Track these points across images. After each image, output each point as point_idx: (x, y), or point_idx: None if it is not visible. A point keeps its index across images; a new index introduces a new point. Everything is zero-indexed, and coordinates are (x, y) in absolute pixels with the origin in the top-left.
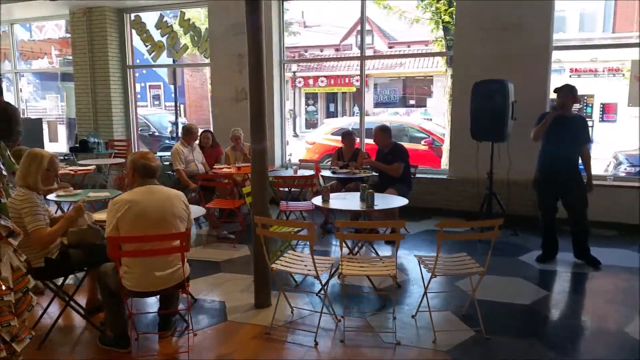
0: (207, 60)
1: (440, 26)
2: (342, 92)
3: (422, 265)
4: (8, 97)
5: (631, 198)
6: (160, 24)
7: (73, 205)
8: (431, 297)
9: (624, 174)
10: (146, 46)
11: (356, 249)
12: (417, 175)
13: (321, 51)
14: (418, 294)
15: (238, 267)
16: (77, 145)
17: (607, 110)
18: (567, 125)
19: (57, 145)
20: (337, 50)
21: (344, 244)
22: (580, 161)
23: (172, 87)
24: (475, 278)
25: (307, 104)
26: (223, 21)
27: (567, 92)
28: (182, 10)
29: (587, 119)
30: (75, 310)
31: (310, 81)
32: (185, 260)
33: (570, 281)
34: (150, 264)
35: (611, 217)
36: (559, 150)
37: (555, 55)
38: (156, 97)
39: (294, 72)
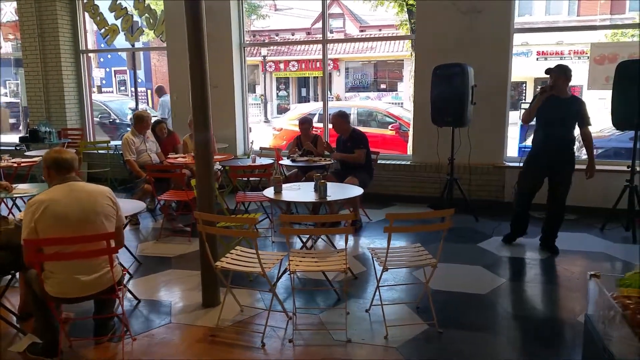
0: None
1: (405, 9)
2: (314, 77)
3: (374, 258)
4: None
5: (593, 181)
6: (114, 6)
7: None
8: (387, 290)
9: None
10: (100, 30)
11: (310, 242)
12: (381, 162)
13: (292, 35)
14: (374, 286)
15: (190, 262)
16: (27, 135)
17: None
18: (562, 107)
19: (6, 135)
20: (308, 33)
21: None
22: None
23: (131, 71)
24: (429, 269)
25: (278, 89)
26: (180, 2)
27: (559, 73)
28: None
29: (583, 100)
30: (1, 317)
31: (282, 65)
32: (116, 262)
33: (530, 268)
34: (75, 268)
35: (573, 201)
36: (552, 131)
37: (522, 38)
38: (122, 83)
39: (264, 57)
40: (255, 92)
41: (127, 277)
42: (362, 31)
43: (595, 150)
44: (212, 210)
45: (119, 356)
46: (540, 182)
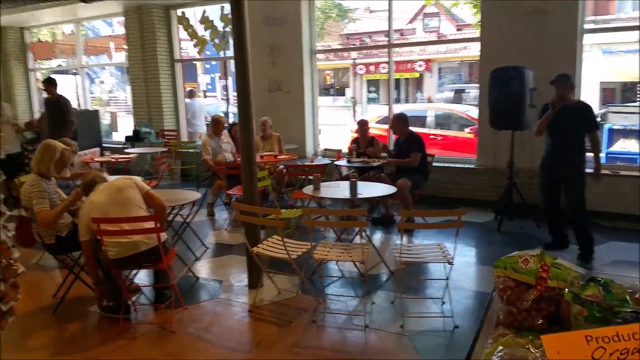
0: None
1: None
2: (405, 78)
3: (395, 254)
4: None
5: None
6: (203, 19)
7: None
8: (421, 284)
9: None
10: (191, 40)
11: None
12: (444, 164)
13: (386, 36)
14: (412, 281)
15: None
16: (132, 135)
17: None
18: (567, 114)
19: (116, 134)
20: (401, 35)
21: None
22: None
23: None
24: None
25: (369, 91)
26: (257, 14)
27: (563, 82)
28: (223, 4)
29: (589, 106)
30: (84, 282)
31: (372, 68)
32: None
33: None
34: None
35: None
36: (557, 139)
37: (596, 38)
38: (225, 88)
39: (354, 60)
40: (344, 95)
41: (193, 258)
42: (459, 30)
43: None
44: (255, 202)
45: (169, 321)
46: (555, 188)
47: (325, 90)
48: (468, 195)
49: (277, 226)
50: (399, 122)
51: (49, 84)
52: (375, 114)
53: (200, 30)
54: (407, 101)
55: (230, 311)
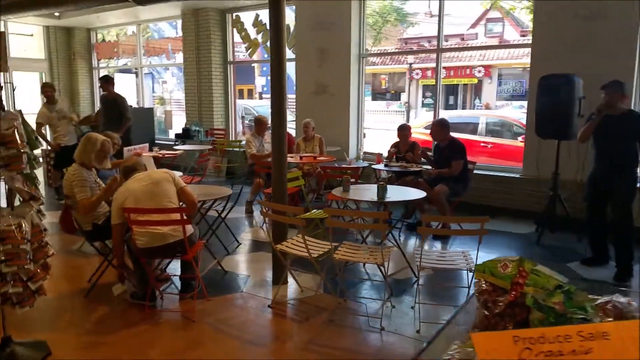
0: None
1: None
2: (463, 84)
3: (416, 259)
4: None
5: None
6: (256, 23)
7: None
8: (445, 291)
9: None
10: (244, 43)
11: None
12: (491, 173)
13: (446, 41)
14: (436, 288)
15: None
16: (181, 132)
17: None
18: (614, 123)
19: (170, 132)
20: (462, 39)
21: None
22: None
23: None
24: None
25: (424, 97)
26: (308, 17)
27: (613, 89)
28: None
29: (639, 114)
30: (115, 268)
31: (429, 73)
32: (191, 224)
33: None
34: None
35: None
36: (605, 149)
37: None
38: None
39: (410, 64)
40: (399, 100)
41: (224, 253)
42: (523, 35)
43: None
44: (284, 201)
45: (191, 310)
46: (600, 201)
47: (382, 95)
48: (511, 205)
49: (299, 224)
50: (440, 128)
51: (106, 81)
52: (425, 120)
53: (252, 33)
54: (464, 107)
55: (251, 305)
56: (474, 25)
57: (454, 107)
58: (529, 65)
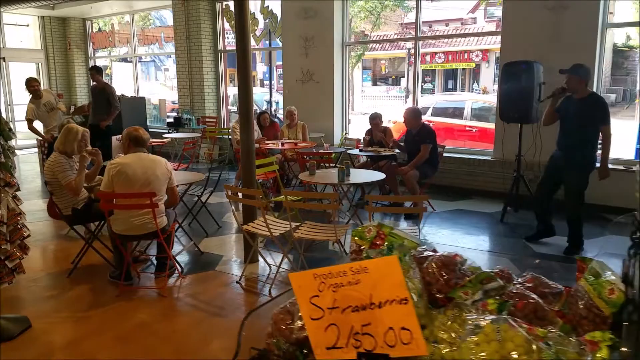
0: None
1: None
2: (462, 68)
3: None
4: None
5: None
6: None
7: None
8: None
9: None
10: (233, 32)
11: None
12: (462, 156)
13: (446, 25)
14: None
15: None
16: (172, 121)
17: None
18: (576, 107)
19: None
20: (462, 24)
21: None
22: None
23: (267, 68)
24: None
25: (423, 81)
26: (293, 6)
27: (572, 72)
28: None
29: (602, 99)
30: (95, 251)
31: (427, 57)
32: (162, 215)
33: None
34: (131, 214)
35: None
36: (566, 131)
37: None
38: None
39: (409, 49)
40: (399, 85)
41: (204, 235)
42: None
43: None
44: (253, 185)
45: (163, 287)
46: (551, 181)
47: (384, 80)
48: (483, 186)
49: (259, 206)
50: (411, 116)
51: (95, 71)
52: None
53: None
54: (463, 91)
55: (220, 281)
56: (473, 10)
57: (452, 90)
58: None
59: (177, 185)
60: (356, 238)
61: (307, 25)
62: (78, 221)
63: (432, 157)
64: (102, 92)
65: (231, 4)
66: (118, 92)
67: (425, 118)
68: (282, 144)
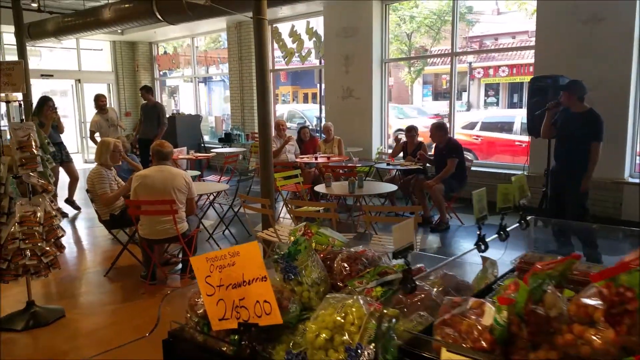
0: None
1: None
2: (527, 82)
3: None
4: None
5: None
6: (292, 33)
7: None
8: None
9: None
10: (282, 52)
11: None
12: (499, 171)
13: (513, 38)
14: None
15: None
16: (223, 136)
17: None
18: (572, 121)
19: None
20: (513, 38)
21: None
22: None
23: (316, 85)
24: None
25: (487, 95)
26: (335, 25)
27: (564, 88)
28: (308, 20)
29: (597, 115)
30: (130, 253)
31: (491, 71)
32: (184, 222)
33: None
34: (153, 220)
35: None
36: (562, 146)
37: None
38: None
39: (470, 63)
40: (461, 99)
41: (233, 242)
42: None
43: None
44: (271, 195)
45: (182, 286)
46: (559, 196)
47: (447, 94)
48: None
49: (268, 214)
50: (437, 131)
51: (145, 91)
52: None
53: (289, 43)
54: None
55: None
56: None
57: (517, 105)
58: None
59: (200, 195)
60: (291, 237)
61: (347, 44)
62: (115, 225)
63: (459, 171)
64: (153, 109)
65: (280, 26)
66: (183, 111)
67: (474, 133)
68: (316, 158)
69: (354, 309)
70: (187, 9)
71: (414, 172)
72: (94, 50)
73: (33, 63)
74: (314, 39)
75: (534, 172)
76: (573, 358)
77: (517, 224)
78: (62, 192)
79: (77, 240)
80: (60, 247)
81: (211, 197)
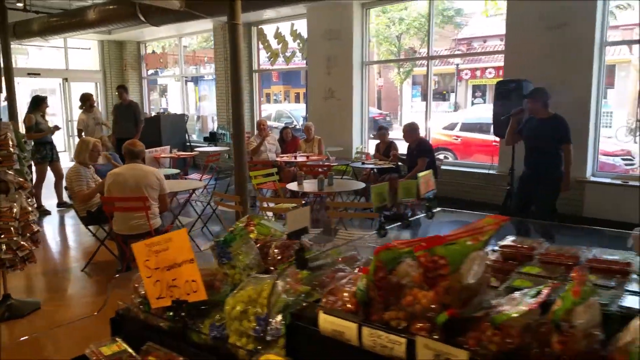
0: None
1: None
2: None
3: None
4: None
5: None
6: (277, 34)
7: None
8: None
9: None
10: (267, 54)
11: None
12: (467, 170)
13: (501, 40)
14: None
15: None
16: (208, 135)
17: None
18: (538, 127)
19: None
20: (501, 40)
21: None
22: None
23: (303, 85)
24: None
25: (474, 96)
26: (318, 28)
27: (527, 95)
28: (292, 22)
29: (562, 118)
30: (107, 248)
31: (478, 73)
32: (156, 217)
33: None
34: (126, 216)
35: None
36: (531, 151)
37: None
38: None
39: (457, 65)
40: (448, 100)
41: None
42: None
43: None
44: (244, 192)
45: None
46: (527, 200)
47: (436, 95)
48: (486, 199)
49: (239, 210)
50: (409, 131)
51: (123, 90)
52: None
53: (274, 44)
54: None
55: None
56: None
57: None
58: None
59: (177, 192)
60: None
61: (329, 46)
62: (92, 222)
63: (429, 170)
64: (128, 108)
65: (265, 28)
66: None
67: (454, 133)
68: (295, 157)
69: (270, 287)
70: (164, 12)
71: (387, 171)
72: (82, 49)
73: (20, 61)
74: (298, 40)
75: (502, 171)
76: (415, 316)
77: (424, 214)
78: (49, 191)
79: (60, 237)
80: (36, 242)
81: (192, 195)
